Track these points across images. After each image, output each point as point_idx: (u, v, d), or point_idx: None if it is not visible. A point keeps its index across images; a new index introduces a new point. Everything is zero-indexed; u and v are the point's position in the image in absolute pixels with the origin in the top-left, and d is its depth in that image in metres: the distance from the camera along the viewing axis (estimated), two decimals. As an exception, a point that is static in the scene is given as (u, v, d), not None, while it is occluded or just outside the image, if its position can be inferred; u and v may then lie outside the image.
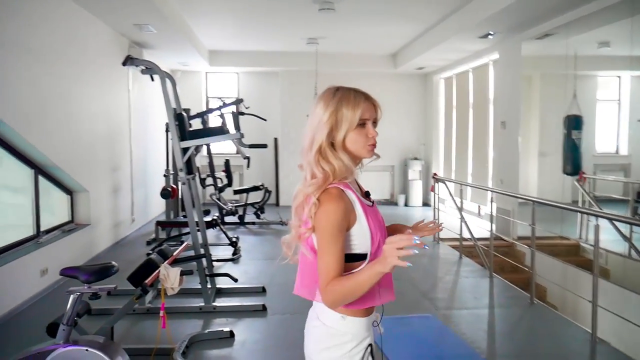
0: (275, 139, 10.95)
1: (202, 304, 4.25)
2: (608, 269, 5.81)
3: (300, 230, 1.47)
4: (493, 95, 8.39)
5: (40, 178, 5.09)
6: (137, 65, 4.19)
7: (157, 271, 3.17)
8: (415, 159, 11.11)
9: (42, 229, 5.09)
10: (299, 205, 1.49)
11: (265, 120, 9.08)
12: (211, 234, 7.31)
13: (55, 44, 5.07)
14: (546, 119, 7.67)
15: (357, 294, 1.35)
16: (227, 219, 8.57)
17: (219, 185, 8.46)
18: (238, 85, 11.10)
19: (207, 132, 4.21)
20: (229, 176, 8.48)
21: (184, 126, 4.30)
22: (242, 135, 4.39)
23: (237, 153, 8.89)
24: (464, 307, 4.54)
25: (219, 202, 8.38)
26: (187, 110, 8.23)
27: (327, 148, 1.46)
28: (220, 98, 8.68)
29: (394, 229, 1.71)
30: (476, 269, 5.81)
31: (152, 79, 4.52)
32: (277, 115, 10.69)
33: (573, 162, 6.38)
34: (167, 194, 6.90)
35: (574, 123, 6.26)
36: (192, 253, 4.26)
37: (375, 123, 1.52)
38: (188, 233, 7.01)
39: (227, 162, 8.50)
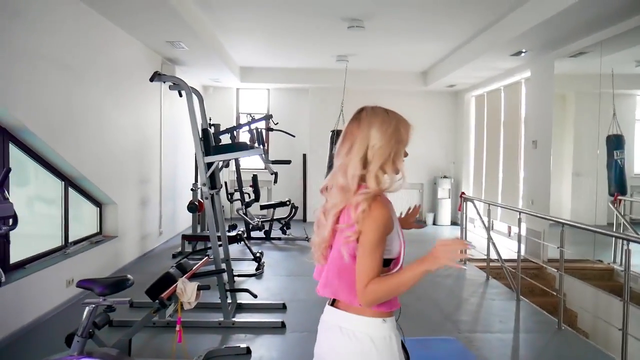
0: (304, 155, 10.99)
1: (222, 319, 4.25)
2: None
3: (345, 234, 1.56)
4: (525, 113, 8.24)
5: (71, 190, 5.22)
6: (164, 82, 4.27)
7: (174, 285, 3.19)
8: (445, 177, 10.97)
9: (71, 240, 5.21)
10: (336, 212, 1.63)
11: (294, 136, 9.15)
12: (236, 248, 7.35)
13: (89, 61, 5.23)
14: (580, 138, 7.48)
15: (399, 291, 1.51)
16: (254, 234, 8.62)
17: (246, 200, 8.52)
18: (268, 101, 11.22)
19: (230, 147, 4.24)
20: (257, 191, 8.53)
21: (209, 141, 4.34)
22: (264, 151, 4.40)
23: (265, 169, 8.95)
24: (488, 331, 4.41)
25: (245, 217, 8.43)
26: (217, 126, 8.38)
27: (389, 164, 1.59)
28: (249, 114, 8.75)
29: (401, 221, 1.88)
30: (503, 291, 5.66)
31: (180, 95, 4.60)
32: (306, 131, 10.73)
33: (617, 183, 6.21)
34: (194, 207, 6.97)
35: (616, 143, 6.09)
36: (213, 268, 4.27)
37: None
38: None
39: (254, 177, 8.55)
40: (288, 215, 8.71)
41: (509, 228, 9.16)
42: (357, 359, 1.57)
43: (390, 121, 1.60)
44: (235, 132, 8.07)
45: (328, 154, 7.88)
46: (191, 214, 7.35)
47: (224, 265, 4.34)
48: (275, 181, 8.59)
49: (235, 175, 8.66)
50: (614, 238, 6.60)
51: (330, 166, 8.03)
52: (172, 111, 8.14)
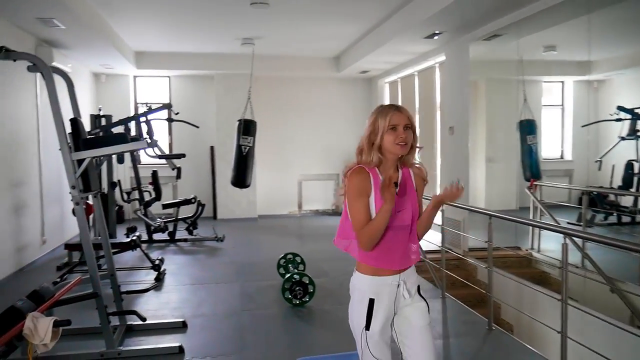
0: (212, 148, 10.19)
1: (104, 349, 3.49)
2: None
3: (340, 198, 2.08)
4: (440, 99, 8.00)
5: None
6: (14, 59, 3.42)
7: (20, 324, 2.42)
8: (361, 166, 10.61)
9: None
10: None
11: (197, 127, 8.37)
12: (135, 255, 6.48)
13: None
14: (492, 125, 7.36)
15: (378, 231, 1.92)
16: (157, 236, 7.77)
17: (146, 199, 7.64)
18: (170, 90, 10.27)
19: (104, 140, 3.48)
20: (157, 189, 7.67)
21: (80, 135, 3.56)
22: (152, 144, 3.68)
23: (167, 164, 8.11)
24: (415, 337, 3.98)
25: (145, 217, 7.55)
26: (108, 117, 7.42)
27: (366, 146, 2.00)
28: (146, 103, 7.86)
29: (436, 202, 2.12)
30: (426, 288, 5.28)
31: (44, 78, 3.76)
32: (213, 122, 9.93)
33: (532, 167, 6.10)
34: (80, 211, 6.03)
35: (528, 128, 5.95)
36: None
37: (408, 128, 1.97)
38: (103, 256, 6.22)
39: (154, 174, 7.68)
40: (194, 214, 7.93)
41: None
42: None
43: (373, 114, 2.01)
44: (128, 125, 7.15)
45: (236, 144, 7.17)
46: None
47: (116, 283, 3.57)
48: (179, 176, 7.79)
49: (133, 172, 7.73)
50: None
51: (238, 158, 7.32)
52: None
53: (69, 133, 3.52)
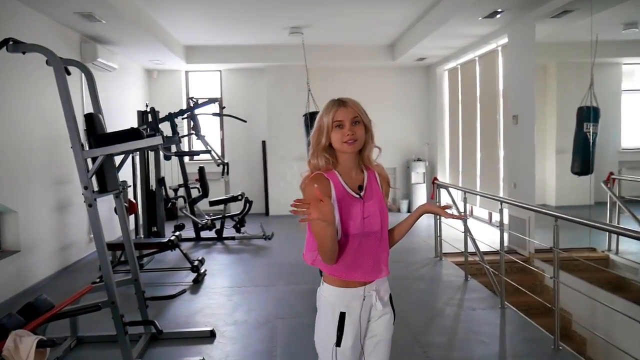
0: (263, 142, 9.95)
1: (122, 361, 3.26)
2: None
3: None
4: (503, 86, 7.31)
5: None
6: (24, 52, 3.21)
7: (1, 342, 2.18)
8: (419, 160, 10.03)
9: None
10: None
11: (245, 121, 8.14)
12: (177, 254, 6.30)
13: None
14: (563, 112, 6.63)
15: (326, 247, 1.68)
16: (204, 234, 7.61)
17: (193, 196, 7.49)
18: (221, 84, 10.11)
19: (118, 136, 3.22)
20: (204, 185, 7.49)
21: (95, 131, 3.32)
22: (176, 141, 3.39)
23: (213, 159, 7.94)
24: (467, 357, 3.48)
25: (191, 215, 7.40)
26: (155, 112, 7.29)
27: (313, 148, 1.82)
28: (191, 98, 7.70)
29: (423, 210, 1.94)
30: (485, 296, 4.74)
31: (69, 73, 3.56)
32: (264, 116, 9.68)
33: (585, 160, 5.41)
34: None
35: (588, 115, 5.28)
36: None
37: (358, 123, 1.79)
38: (146, 256, 6.10)
39: (201, 170, 7.51)
40: (241, 212, 7.70)
41: (490, 214, 8.29)
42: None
43: (320, 113, 1.83)
44: (174, 120, 7.01)
45: (305, 139, 6.84)
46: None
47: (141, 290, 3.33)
48: (226, 172, 7.59)
49: (179, 169, 7.59)
50: (609, 217, 5.86)
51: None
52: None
53: (84, 130, 3.27)
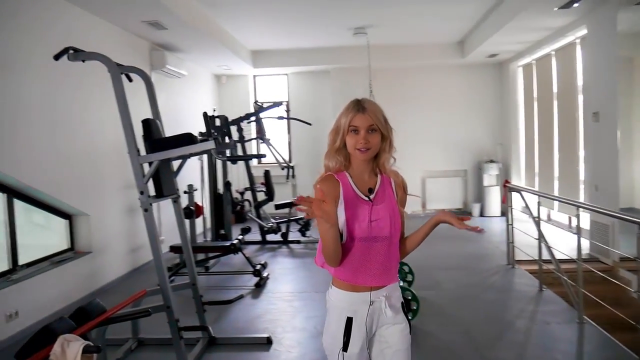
0: (329, 145, 9.88)
1: (177, 366, 3.27)
2: None
3: None
4: (582, 81, 6.80)
5: (21, 202, 4.39)
6: (83, 60, 3.31)
7: (47, 348, 2.21)
8: (491, 161, 9.57)
9: (24, 261, 4.38)
10: None
11: (310, 124, 8.12)
12: (241, 258, 6.34)
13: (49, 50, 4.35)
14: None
15: (328, 249, 1.69)
16: (271, 237, 7.65)
17: (259, 200, 7.55)
18: (288, 88, 10.17)
19: (173, 141, 3.24)
20: (270, 189, 7.53)
21: (151, 137, 3.37)
22: (231, 145, 3.38)
23: (277, 162, 7.96)
24: (538, 376, 3.21)
25: (257, 218, 7.46)
26: (223, 118, 7.41)
27: (329, 148, 1.83)
28: (256, 102, 7.77)
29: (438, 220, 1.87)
30: (561, 308, 4.39)
31: (130, 79, 3.67)
32: (330, 118, 9.62)
33: None
34: (190, 212, 6.06)
35: None
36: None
37: (375, 131, 1.75)
38: (211, 258, 6.18)
39: (266, 173, 7.56)
40: (306, 215, 7.66)
41: (570, 219, 7.74)
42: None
43: (340, 112, 1.79)
44: (240, 124, 7.10)
45: None
46: (187, 219, 6.42)
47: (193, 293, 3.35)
48: (291, 175, 7.59)
49: (246, 173, 7.68)
50: None
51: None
52: (169, 101, 7.19)
53: (141, 135, 3.33)
